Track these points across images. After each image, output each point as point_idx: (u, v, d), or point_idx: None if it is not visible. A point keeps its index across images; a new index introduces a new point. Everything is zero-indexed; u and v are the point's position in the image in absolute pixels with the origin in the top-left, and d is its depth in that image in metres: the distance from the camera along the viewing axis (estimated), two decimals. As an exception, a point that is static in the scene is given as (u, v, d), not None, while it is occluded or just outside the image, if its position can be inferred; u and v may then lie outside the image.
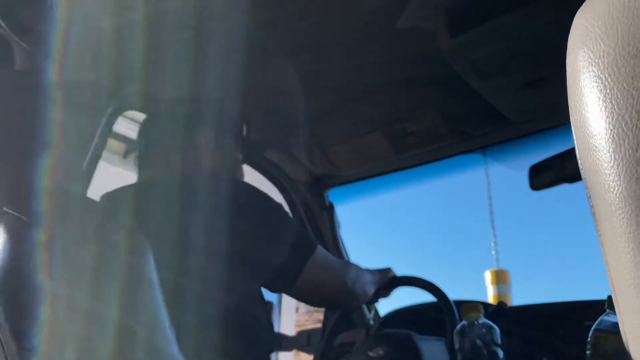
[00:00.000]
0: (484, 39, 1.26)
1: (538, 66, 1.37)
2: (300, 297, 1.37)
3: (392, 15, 1.25)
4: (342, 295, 1.40)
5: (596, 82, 0.27)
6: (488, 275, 6.33)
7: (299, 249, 1.26)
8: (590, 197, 0.30)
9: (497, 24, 1.23)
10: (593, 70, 0.28)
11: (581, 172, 0.31)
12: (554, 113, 1.56)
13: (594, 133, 0.28)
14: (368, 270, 1.52)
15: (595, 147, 0.28)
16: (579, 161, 0.31)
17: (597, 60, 0.27)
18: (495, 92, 1.46)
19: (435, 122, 1.66)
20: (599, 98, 0.27)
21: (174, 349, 0.67)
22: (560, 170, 1.46)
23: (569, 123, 0.33)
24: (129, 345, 0.65)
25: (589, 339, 0.86)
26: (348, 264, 1.51)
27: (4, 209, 0.69)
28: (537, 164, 1.49)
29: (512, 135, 1.68)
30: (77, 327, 0.65)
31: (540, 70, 1.38)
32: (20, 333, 0.66)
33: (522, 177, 1.57)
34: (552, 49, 1.26)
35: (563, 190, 1.50)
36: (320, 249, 1.30)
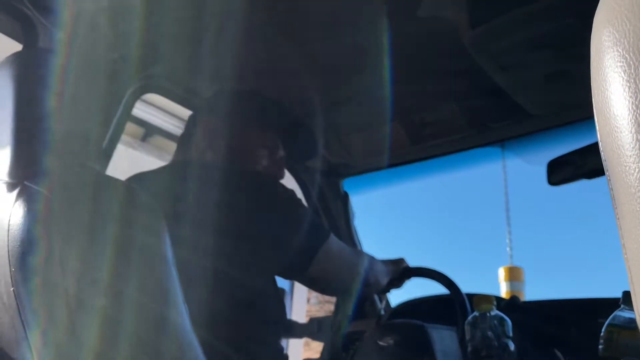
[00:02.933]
0: (505, 30, 1.25)
1: (560, 59, 1.35)
2: (311, 285, 1.38)
3: (412, 3, 1.24)
4: (354, 285, 1.40)
5: (620, 61, 0.27)
6: (502, 272, 6.28)
7: (312, 237, 1.26)
8: (610, 179, 0.30)
9: (518, 15, 1.22)
10: (618, 50, 0.27)
11: (601, 154, 0.30)
12: (574, 108, 1.54)
13: (616, 114, 0.28)
14: (381, 261, 1.52)
15: (617, 128, 0.28)
16: (600, 143, 0.31)
17: (622, 39, 0.27)
18: (515, 85, 1.45)
19: (454, 113, 1.65)
20: (623, 78, 0.27)
21: (187, 324, 0.68)
22: (579, 165, 1.45)
23: (590, 119, 0.33)
24: (143, 319, 0.66)
25: (602, 334, 0.85)
26: (360, 253, 1.51)
27: (26, 183, 0.70)
28: (556, 158, 1.48)
29: (531, 129, 1.66)
30: (92, 300, 0.66)
31: (562, 64, 1.37)
32: (41, 307, 0.67)
33: (540, 171, 1.55)
34: (575, 42, 1.25)
35: (581, 186, 1.48)
36: (332, 238, 1.30)
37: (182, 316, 0.68)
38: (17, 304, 0.68)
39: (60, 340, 0.65)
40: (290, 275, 1.37)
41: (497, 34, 1.27)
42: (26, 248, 0.67)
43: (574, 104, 1.51)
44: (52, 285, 0.65)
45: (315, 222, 1.34)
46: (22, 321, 0.68)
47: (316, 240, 1.27)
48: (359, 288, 1.42)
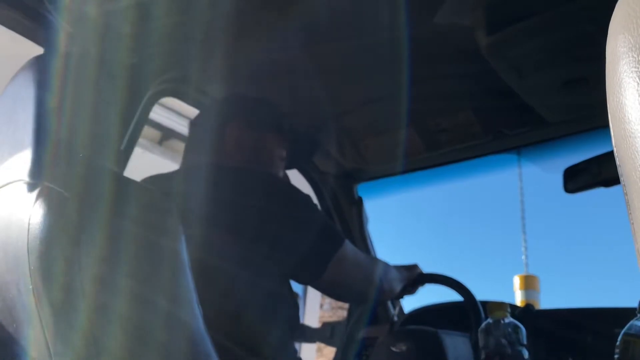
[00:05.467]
0: (522, 36, 1.24)
1: (577, 66, 1.34)
2: (325, 290, 1.38)
3: (429, 10, 1.24)
4: (368, 291, 1.40)
5: (635, 67, 0.27)
6: (517, 280, 6.21)
7: (327, 242, 1.27)
8: (624, 184, 0.30)
9: (535, 22, 1.22)
10: (633, 56, 0.27)
11: (616, 159, 0.31)
12: (591, 115, 1.53)
13: (630, 119, 0.28)
14: (395, 267, 1.52)
15: (632, 133, 0.28)
16: (615, 148, 0.31)
17: (637, 45, 0.27)
18: (532, 91, 1.44)
19: (469, 119, 1.65)
20: (638, 83, 0.27)
21: (201, 326, 0.69)
22: (596, 173, 1.43)
23: (607, 126, 0.33)
24: (158, 320, 0.67)
25: (617, 343, 0.84)
26: (375, 260, 1.51)
27: (46, 183, 0.71)
28: (572, 166, 1.47)
29: (547, 136, 1.66)
30: (108, 301, 0.67)
31: (579, 71, 1.36)
32: (59, 307, 0.68)
33: (557, 179, 1.54)
34: (592, 49, 1.24)
35: (598, 194, 1.47)
36: (348, 244, 1.30)
37: (196, 318, 0.69)
38: (35, 303, 0.69)
39: (78, 342, 0.66)
40: (305, 280, 1.37)
41: (514, 40, 1.27)
42: (45, 248, 0.68)
43: (590, 111, 1.50)
44: (70, 286, 0.66)
45: (331, 228, 1.34)
46: (40, 321, 0.69)
47: (331, 245, 1.27)
48: (373, 294, 1.42)
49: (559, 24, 1.21)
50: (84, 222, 0.68)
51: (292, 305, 1.27)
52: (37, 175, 0.73)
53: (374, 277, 1.38)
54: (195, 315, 0.68)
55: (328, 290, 1.38)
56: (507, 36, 1.26)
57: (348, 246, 1.30)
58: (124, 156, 1.34)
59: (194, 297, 0.69)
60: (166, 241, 0.70)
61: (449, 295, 1.60)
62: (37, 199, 0.70)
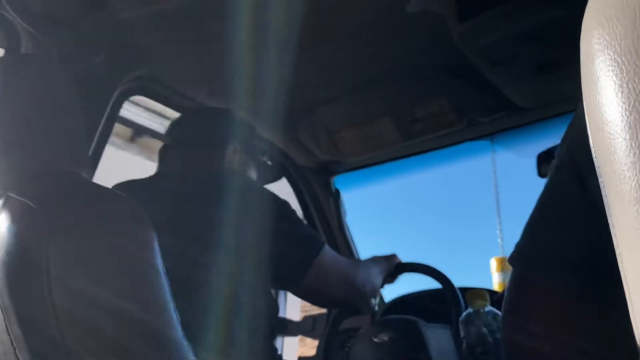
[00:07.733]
0: (494, 23, 1.24)
1: (549, 51, 1.35)
2: (304, 297, 1.35)
3: (401, -1, 1.23)
4: (348, 297, 1.38)
5: (612, 65, 0.26)
6: (493, 263, 6.30)
7: (305, 249, 1.25)
8: (603, 186, 0.29)
9: (507, 8, 1.21)
10: (609, 53, 0.27)
11: (594, 160, 0.30)
12: (563, 100, 1.54)
13: (608, 120, 0.27)
14: (373, 258, 1.51)
15: (610, 134, 0.27)
16: (592, 149, 0.30)
17: (613, 42, 0.26)
18: (504, 78, 1.44)
19: (443, 108, 1.65)
20: (615, 82, 0.26)
21: (179, 334, 0.67)
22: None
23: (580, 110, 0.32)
24: (134, 330, 0.65)
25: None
26: (354, 263, 1.50)
27: (9, 194, 0.68)
28: (545, 151, 1.48)
29: (520, 122, 1.67)
30: (80, 312, 0.65)
31: (551, 56, 1.36)
32: (28, 319, 0.66)
33: (530, 164, 1.55)
34: (564, 33, 1.24)
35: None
36: (326, 250, 1.28)
37: (173, 327, 0.67)
38: (4, 317, 0.67)
39: (48, 354, 0.63)
40: (283, 287, 1.36)
41: (486, 27, 1.27)
42: (12, 260, 0.66)
43: (563, 96, 1.51)
44: (39, 298, 0.64)
45: (309, 234, 1.33)
46: (9, 335, 0.67)
47: (310, 252, 1.25)
48: (355, 298, 1.40)
49: (530, 10, 1.21)
50: (51, 232, 0.66)
51: (272, 311, 1.25)
52: (1, 186, 0.70)
53: (354, 282, 1.36)
54: (172, 324, 0.67)
55: (307, 297, 1.36)
56: (479, 23, 1.26)
57: (327, 252, 1.28)
58: (94, 158, 1.31)
59: (171, 305, 0.68)
60: (139, 250, 0.68)
61: (429, 283, 1.61)
62: (1, 210, 0.68)
